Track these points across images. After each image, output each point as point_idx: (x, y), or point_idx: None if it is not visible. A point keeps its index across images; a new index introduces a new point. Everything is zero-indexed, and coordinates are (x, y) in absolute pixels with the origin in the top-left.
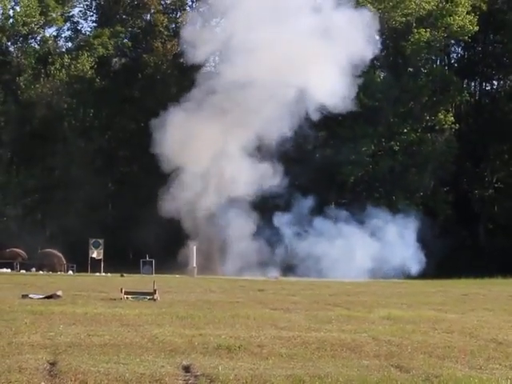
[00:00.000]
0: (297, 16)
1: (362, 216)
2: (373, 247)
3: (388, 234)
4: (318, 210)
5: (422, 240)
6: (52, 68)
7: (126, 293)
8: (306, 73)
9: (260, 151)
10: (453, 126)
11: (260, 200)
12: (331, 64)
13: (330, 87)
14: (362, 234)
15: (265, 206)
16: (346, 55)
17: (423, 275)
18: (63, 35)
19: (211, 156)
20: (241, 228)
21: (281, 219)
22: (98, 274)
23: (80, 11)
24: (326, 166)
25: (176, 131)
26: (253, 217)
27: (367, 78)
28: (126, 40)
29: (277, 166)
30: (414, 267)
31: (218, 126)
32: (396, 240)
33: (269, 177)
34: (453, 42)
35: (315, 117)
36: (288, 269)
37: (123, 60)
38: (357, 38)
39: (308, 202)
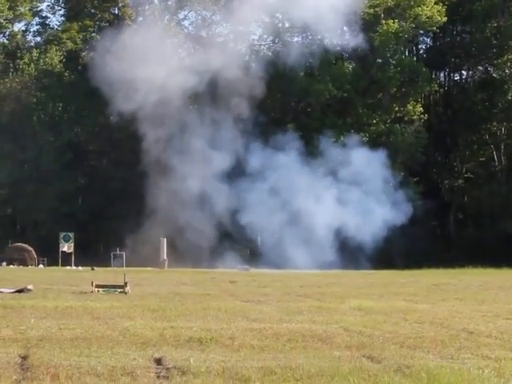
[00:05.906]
0: None
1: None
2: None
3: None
4: None
5: (392, 229)
6: (21, 62)
7: (97, 286)
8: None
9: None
10: (422, 116)
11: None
12: None
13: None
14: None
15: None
16: None
17: (393, 265)
18: (32, 30)
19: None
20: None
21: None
22: (68, 267)
23: (48, 5)
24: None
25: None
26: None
27: (336, 70)
28: (94, 34)
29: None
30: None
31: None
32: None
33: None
34: (421, 32)
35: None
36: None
37: (92, 54)
38: None
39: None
